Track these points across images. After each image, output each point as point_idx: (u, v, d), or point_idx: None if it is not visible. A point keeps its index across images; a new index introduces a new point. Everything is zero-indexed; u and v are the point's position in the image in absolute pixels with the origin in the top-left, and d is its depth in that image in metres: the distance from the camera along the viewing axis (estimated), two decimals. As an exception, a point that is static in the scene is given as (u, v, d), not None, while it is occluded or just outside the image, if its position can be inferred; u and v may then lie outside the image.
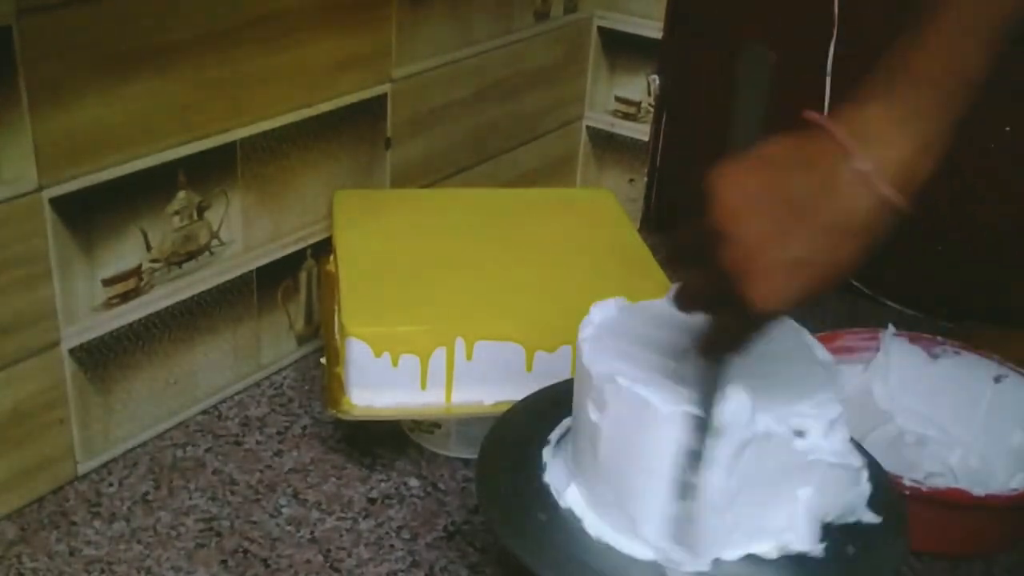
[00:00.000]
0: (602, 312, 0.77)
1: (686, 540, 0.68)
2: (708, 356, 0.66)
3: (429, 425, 0.95)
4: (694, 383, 0.67)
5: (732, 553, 0.70)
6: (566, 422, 0.79)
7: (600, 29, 1.36)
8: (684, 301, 0.66)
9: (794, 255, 0.59)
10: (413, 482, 0.92)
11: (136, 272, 0.88)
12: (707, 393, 0.66)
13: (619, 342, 0.73)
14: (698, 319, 0.67)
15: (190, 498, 0.88)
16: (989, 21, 0.59)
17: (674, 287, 0.67)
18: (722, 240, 0.60)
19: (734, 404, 0.66)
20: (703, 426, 0.66)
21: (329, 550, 0.84)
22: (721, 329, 0.65)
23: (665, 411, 0.67)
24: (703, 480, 0.67)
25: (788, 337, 0.75)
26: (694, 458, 0.66)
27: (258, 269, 1.00)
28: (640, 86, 1.36)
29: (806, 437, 0.68)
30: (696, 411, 0.66)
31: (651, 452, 0.68)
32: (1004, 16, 0.59)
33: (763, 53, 0.61)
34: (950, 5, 0.60)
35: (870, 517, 0.72)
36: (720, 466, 0.66)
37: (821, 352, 0.75)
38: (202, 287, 0.95)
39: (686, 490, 0.67)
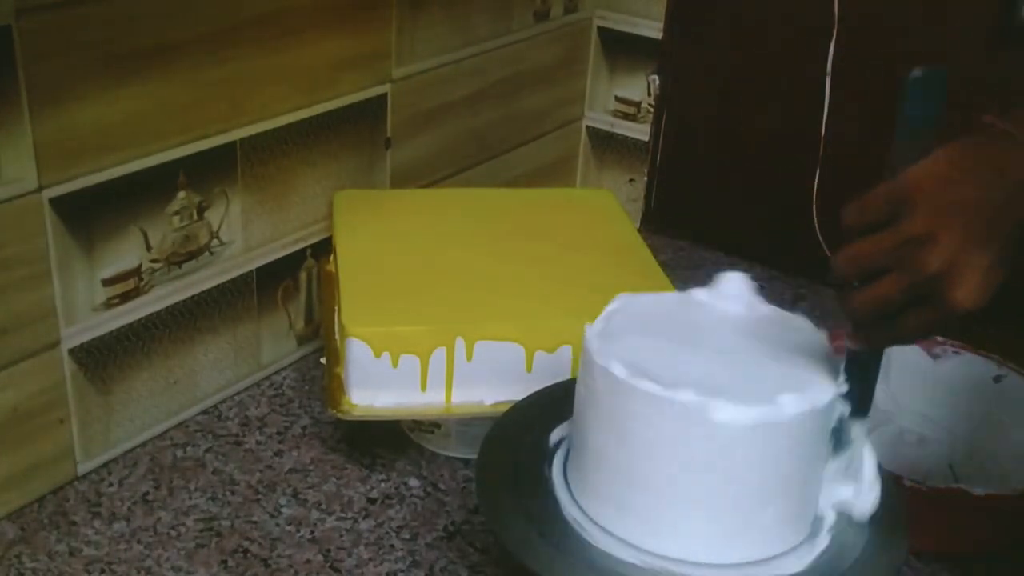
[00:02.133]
0: (610, 313, 0.77)
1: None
2: (881, 345, 0.70)
3: (429, 425, 0.95)
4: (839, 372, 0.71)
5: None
6: (567, 422, 0.79)
7: (600, 29, 1.36)
8: (869, 307, 0.66)
9: (991, 260, 0.62)
10: (413, 482, 0.92)
11: (136, 272, 0.88)
12: (863, 379, 0.71)
13: (629, 341, 0.73)
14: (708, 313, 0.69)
15: (190, 498, 0.88)
16: None
17: (852, 295, 0.66)
18: (927, 245, 0.62)
19: None
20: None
21: (329, 550, 0.84)
22: (914, 327, 0.66)
23: (690, 409, 0.67)
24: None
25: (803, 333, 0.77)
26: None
27: (258, 269, 1.00)
28: (640, 86, 1.36)
29: None
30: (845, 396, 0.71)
31: (671, 451, 0.68)
32: None
33: (942, 72, 0.63)
34: None
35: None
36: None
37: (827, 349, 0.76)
38: (202, 287, 0.95)
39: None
